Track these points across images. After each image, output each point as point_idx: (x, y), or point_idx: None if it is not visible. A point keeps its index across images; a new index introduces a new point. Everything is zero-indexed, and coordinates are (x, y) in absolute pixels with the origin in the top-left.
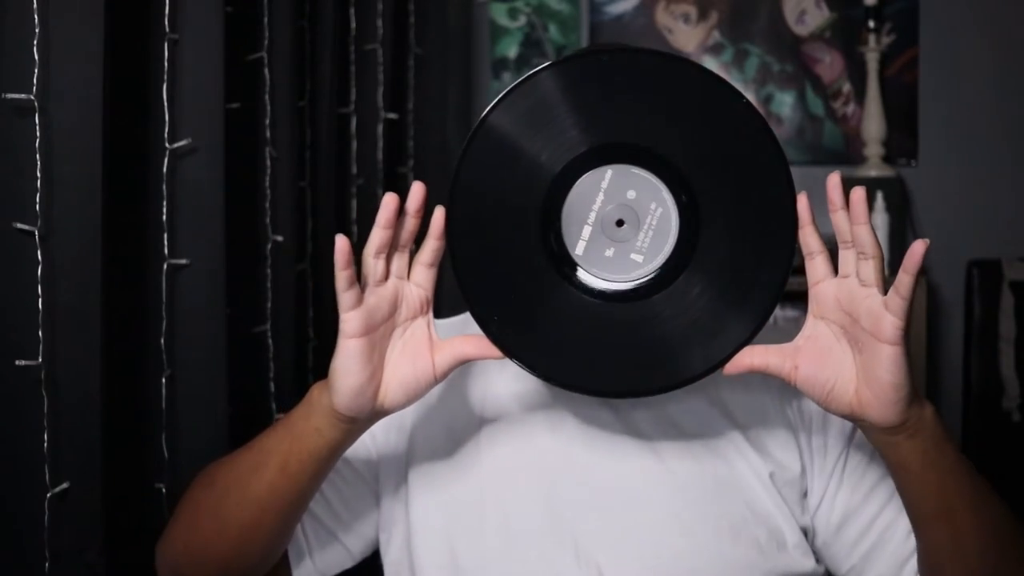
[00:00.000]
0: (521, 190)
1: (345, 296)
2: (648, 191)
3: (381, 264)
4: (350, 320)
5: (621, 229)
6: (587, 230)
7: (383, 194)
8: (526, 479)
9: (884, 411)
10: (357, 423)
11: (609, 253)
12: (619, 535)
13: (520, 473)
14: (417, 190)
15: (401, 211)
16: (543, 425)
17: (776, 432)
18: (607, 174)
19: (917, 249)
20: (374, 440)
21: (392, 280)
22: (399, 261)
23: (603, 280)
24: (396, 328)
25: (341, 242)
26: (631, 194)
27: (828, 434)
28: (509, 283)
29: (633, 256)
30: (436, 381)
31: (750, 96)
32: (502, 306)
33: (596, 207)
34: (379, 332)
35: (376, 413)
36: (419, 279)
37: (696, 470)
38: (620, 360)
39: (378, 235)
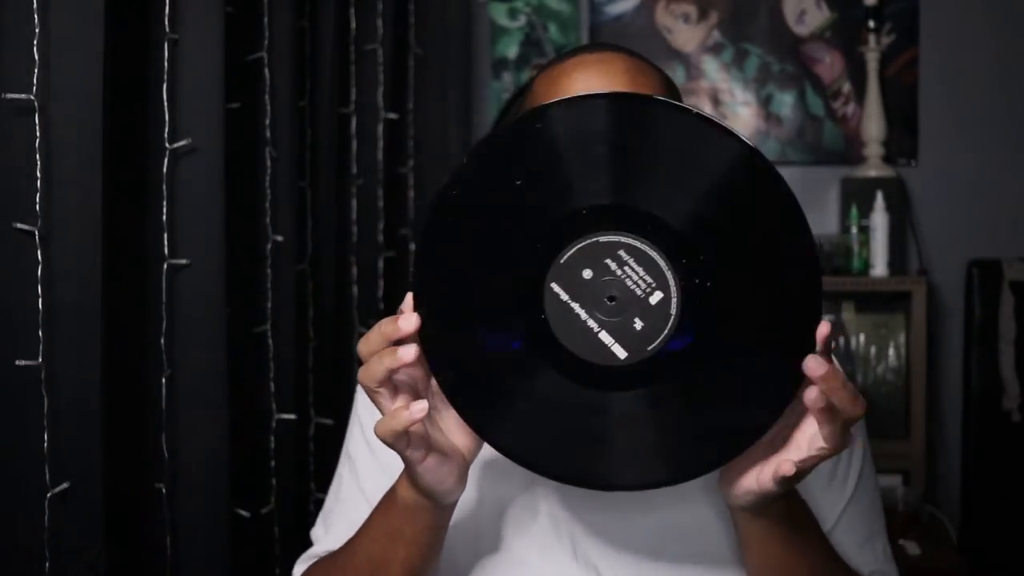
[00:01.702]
0: (492, 266)
1: (400, 443)
2: (645, 265)
3: (407, 391)
4: (414, 454)
5: (612, 305)
6: (575, 306)
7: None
8: (524, 480)
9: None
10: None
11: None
12: (615, 539)
13: (518, 474)
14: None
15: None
16: None
17: None
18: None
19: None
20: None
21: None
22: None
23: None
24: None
25: (421, 409)
26: (620, 270)
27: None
28: (480, 365)
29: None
30: None
31: (750, 96)
32: (471, 385)
33: (585, 278)
34: (428, 430)
35: (469, 467)
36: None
37: None
38: (599, 450)
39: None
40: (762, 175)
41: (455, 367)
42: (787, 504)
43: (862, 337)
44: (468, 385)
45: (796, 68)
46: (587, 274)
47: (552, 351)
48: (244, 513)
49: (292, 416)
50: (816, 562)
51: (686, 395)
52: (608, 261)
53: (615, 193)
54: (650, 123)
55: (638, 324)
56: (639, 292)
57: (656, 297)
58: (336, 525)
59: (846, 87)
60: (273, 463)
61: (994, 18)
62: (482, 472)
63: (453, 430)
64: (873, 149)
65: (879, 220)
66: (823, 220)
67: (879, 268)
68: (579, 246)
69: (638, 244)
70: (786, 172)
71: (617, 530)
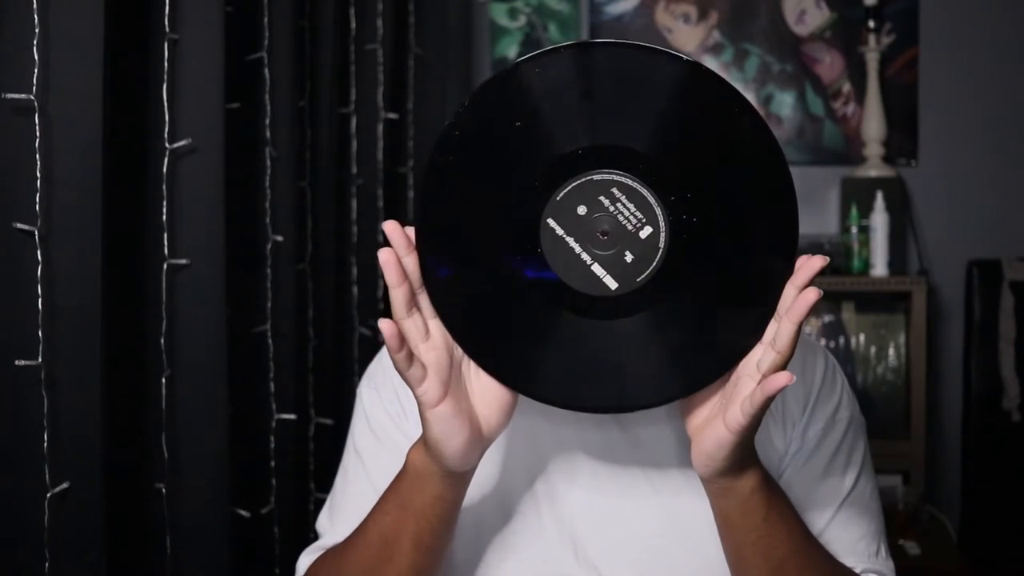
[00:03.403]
0: (495, 198)
1: (411, 374)
2: (636, 202)
3: (417, 317)
4: (427, 391)
5: (605, 239)
6: (570, 240)
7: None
8: (527, 480)
9: (694, 460)
10: (474, 467)
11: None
12: (615, 538)
13: (521, 474)
14: (395, 232)
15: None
16: (543, 426)
17: (770, 435)
18: (593, 180)
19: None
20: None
21: (431, 323)
22: (424, 302)
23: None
24: (461, 361)
25: (388, 328)
26: (612, 207)
27: (807, 455)
28: (481, 300)
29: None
30: None
31: (750, 96)
32: (476, 323)
33: (580, 214)
34: (452, 380)
35: (488, 447)
36: None
37: (690, 474)
38: (599, 376)
39: (399, 295)
40: (741, 111)
41: (453, 297)
42: (762, 473)
43: (862, 337)
44: (466, 313)
45: (796, 68)
46: (582, 210)
47: (547, 283)
48: (244, 513)
49: (292, 416)
50: (798, 540)
51: (674, 322)
52: (601, 198)
53: (607, 134)
54: (641, 68)
55: (628, 257)
56: (630, 227)
57: (646, 232)
58: (343, 516)
59: (846, 87)
60: (273, 463)
61: (994, 18)
62: (484, 471)
63: (478, 399)
64: (873, 149)
65: (879, 220)
66: (823, 220)
67: (879, 268)
68: (575, 184)
69: (629, 182)
70: None
71: (618, 530)
